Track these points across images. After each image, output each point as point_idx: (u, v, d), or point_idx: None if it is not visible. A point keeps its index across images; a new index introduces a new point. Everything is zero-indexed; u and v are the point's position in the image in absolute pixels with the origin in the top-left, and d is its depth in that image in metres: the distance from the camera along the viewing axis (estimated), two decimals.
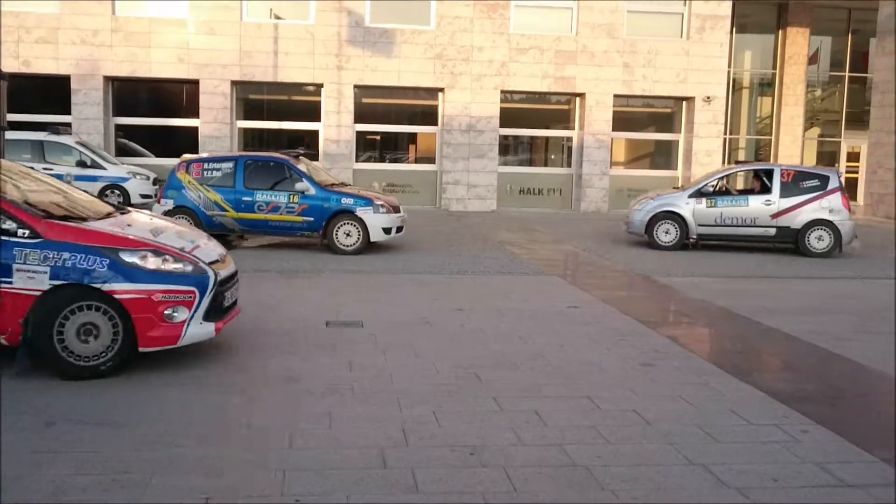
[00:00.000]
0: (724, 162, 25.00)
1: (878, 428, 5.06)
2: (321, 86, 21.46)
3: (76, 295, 5.52)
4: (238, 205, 12.63)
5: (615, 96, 22.43)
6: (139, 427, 4.61)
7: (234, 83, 21.20)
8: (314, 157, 21.34)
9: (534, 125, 23.79)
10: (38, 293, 5.45)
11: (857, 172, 28.18)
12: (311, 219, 12.47)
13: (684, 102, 23.16)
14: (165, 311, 5.64)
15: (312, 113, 21.80)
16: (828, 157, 29.02)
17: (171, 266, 5.75)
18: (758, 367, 6.47)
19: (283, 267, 11.17)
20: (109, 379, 5.49)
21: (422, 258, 12.41)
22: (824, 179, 14.16)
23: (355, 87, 21.46)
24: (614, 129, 22.66)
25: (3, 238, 5.46)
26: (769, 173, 14.35)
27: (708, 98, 22.67)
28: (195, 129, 21.19)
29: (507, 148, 23.52)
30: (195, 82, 21.02)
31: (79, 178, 17.37)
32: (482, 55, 21.68)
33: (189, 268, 5.82)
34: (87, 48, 20.47)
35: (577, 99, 22.72)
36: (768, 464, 4.33)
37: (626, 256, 13.21)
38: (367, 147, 22.70)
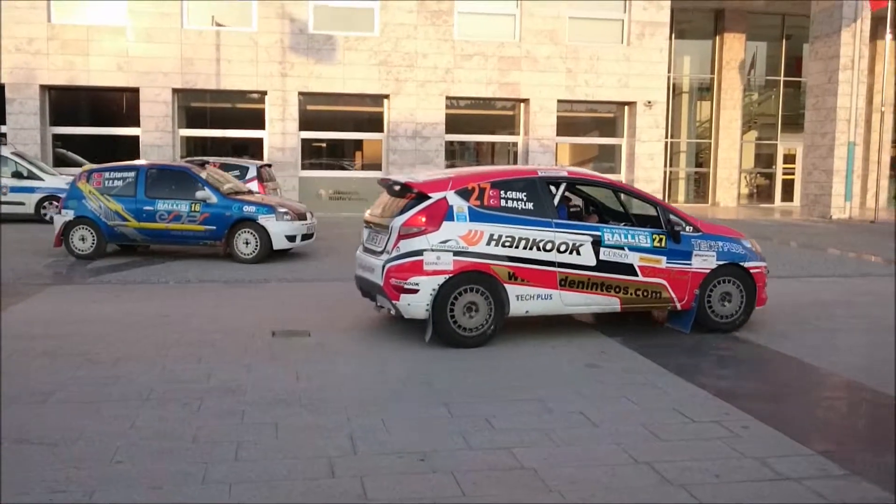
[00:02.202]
0: (665, 165, 25.48)
1: (816, 422, 5.21)
2: (265, 93, 21.28)
3: None
4: (139, 214, 12.41)
5: (559, 101, 22.70)
6: (76, 444, 4.50)
7: (175, 91, 20.90)
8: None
9: (479, 131, 23.94)
10: None
11: (793, 174, 28.98)
12: (213, 227, 12.31)
13: (626, 107, 23.54)
14: None
15: (257, 121, 21.60)
16: (765, 159, 29.79)
17: None
18: (700, 365, 6.60)
19: (227, 277, 11.03)
20: (60, 398, 5.35)
21: None
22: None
23: (300, 94, 21.34)
24: (559, 133, 22.92)
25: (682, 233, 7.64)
26: None
27: (649, 103, 23.08)
28: (136, 139, 20.83)
29: (454, 154, 23.63)
30: (135, 90, 20.68)
31: (15, 189, 16.93)
32: (427, 62, 21.74)
33: None
34: (22, 56, 19.99)
35: (522, 104, 22.93)
36: (710, 460, 4.42)
37: None
38: (313, 154, 22.57)
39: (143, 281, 10.67)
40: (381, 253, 7.28)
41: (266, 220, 12.35)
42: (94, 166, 13.31)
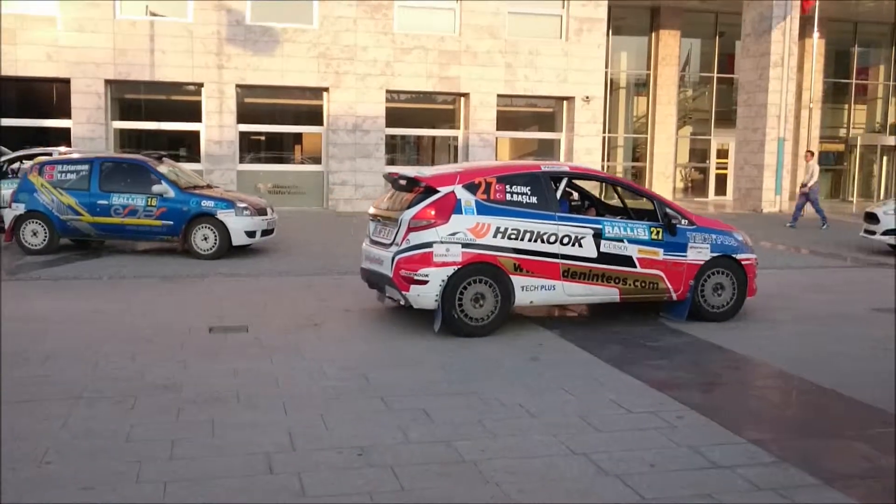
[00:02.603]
0: (603, 159, 25.85)
1: (747, 411, 5.35)
2: (201, 85, 20.88)
3: None
4: (93, 208, 12.10)
5: (498, 96, 22.80)
6: (6, 445, 4.36)
7: (108, 82, 20.36)
8: (195, 158, 20.79)
9: (420, 125, 23.91)
10: None
11: (726, 169, 29.68)
12: (171, 222, 12.06)
13: (565, 102, 23.78)
14: None
15: (193, 113, 21.18)
16: (699, 154, 30.44)
17: None
18: (637, 357, 6.71)
19: (154, 272, 10.81)
20: None
21: (309, 260, 12.27)
22: None
23: (237, 86, 21.00)
24: (499, 128, 23.03)
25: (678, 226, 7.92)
26: None
27: (587, 98, 23.35)
28: (67, 130, 20.23)
29: (395, 147, 23.56)
30: (66, 81, 20.07)
31: None
32: (366, 55, 21.61)
33: None
34: None
35: (462, 99, 22.97)
36: (646, 450, 4.50)
37: None
38: (252, 148, 22.25)
39: (75, 277, 10.40)
40: (390, 245, 7.47)
41: (225, 216, 12.12)
42: (47, 158, 12.91)
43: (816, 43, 25.67)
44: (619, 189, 9.09)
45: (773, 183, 24.25)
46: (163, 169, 12.51)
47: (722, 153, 29.90)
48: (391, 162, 22.77)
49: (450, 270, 7.14)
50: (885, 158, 31.52)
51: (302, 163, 22.57)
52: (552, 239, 7.46)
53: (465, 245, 7.20)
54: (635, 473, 4.16)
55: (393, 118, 22.28)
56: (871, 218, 14.69)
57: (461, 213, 7.25)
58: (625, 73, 29.44)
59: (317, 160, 22.20)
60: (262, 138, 22.55)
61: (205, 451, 4.34)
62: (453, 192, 7.32)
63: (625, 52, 29.21)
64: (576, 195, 9.01)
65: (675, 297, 7.98)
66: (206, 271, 10.93)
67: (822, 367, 6.43)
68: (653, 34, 28.69)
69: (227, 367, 6.06)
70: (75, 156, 13.18)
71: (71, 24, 19.82)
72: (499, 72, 22.60)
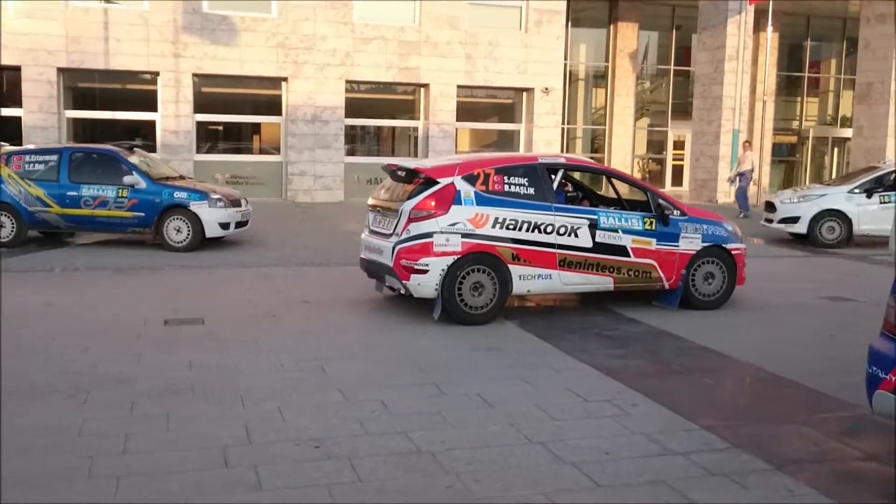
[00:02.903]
0: (562, 151, 25.99)
1: (701, 398, 5.44)
2: (157, 74, 20.53)
3: None
4: (63, 200, 11.87)
5: (459, 87, 22.78)
6: None
7: (60, 70, 19.92)
8: (151, 148, 20.46)
9: (380, 115, 23.80)
10: None
11: (682, 160, 30.04)
12: (142, 214, 11.88)
13: (524, 93, 23.85)
14: None
15: (149, 102, 20.82)
16: (656, 145, 30.77)
17: None
18: (594, 346, 6.78)
19: (116, 264, 10.64)
20: None
21: (268, 251, 12.18)
22: None
23: (194, 75, 20.69)
24: (459, 119, 23.02)
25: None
26: None
27: (546, 89, 23.45)
28: (18, 119, 19.75)
29: (354, 138, 23.42)
30: (17, 69, 19.57)
31: None
32: (326, 45, 21.44)
33: None
34: None
35: (422, 89, 22.92)
36: (601, 437, 4.56)
37: None
38: (209, 138, 21.95)
39: (27, 269, 10.18)
40: (390, 235, 7.59)
41: (198, 207, 11.93)
42: (14, 148, 12.59)
43: (770, 37, 26.06)
44: (612, 180, 9.24)
45: (727, 174, 24.60)
46: (134, 159, 12.29)
47: (678, 144, 30.25)
48: (351, 152, 22.65)
49: (449, 260, 7.29)
50: (835, 150, 32.15)
51: (260, 153, 22.34)
52: (549, 229, 7.63)
53: (464, 235, 7.36)
54: (591, 461, 4.21)
55: (352, 108, 22.14)
56: (770, 207, 15.37)
57: (461, 203, 7.39)
58: (583, 65, 29.61)
59: (275, 151, 22.00)
60: (220, 128, 22.26)
61: (159, 446, 4.29)
62: (453, 183, 7.45)
63: (583, 45, 29.38)
64: (570, 186, 9.17)
65: (667, 285, 8.19)
66: (161, 263, 10.78)
67: (772, 354, 6.57)
68: (611, 26, 28.88)
69: (183, 359, 5.99)
70: (43, 146, 12.91)
71: (22, 10, 19.34)
72: (459, 63, 22.59)
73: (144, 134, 20.86)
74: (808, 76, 31.76)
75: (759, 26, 26.98)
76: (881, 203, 13.94)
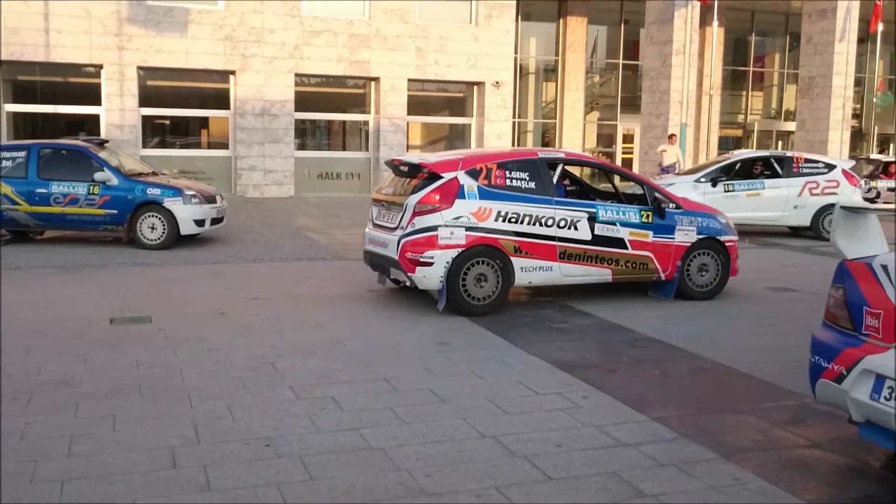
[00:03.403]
0: (513, 144, 26.11)
1: (650, 389, 5.51)
2: (101, 67, 20.08)
3: None
4: (31, 197, 11.52)
5: (409, 81, 22.73)
6: None
7: None
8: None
9: (330, 109, 23.63)
10: None
11: (632, 153, 30.44)
12: (115, 211, 11.57)
13: (475, 87, 23.89)
14: None
15: (92, 96, 20.36)
16: (606, 139, 31.10)
17: None
18: (545, 339, 6.83)
19: (64, 262, 10.39)
20: None
21: (216, 247, 12.00)
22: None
23: (139, 68, 20.29)
24: (410, 113, 22.98)
25: None
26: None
27: (497, 83, 23.52)
28: None
29: (304, 132, 23.24)
30: None
31: None
32: (274, 37, 21.20)
33: None
34: None
35: (373, 83, 22.81)
36: (552, 430, 4.59)
37: None
38: (156, 132, 21.57)
39: None
40: (395, 229, 7.74)
41: (172, 204, 11.63)
42: None
43: (716, 31, 26.54)
44: (610, 174, 9.42)
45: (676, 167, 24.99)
46: (104, 155, 11.98)
47: (628, 138, 30.64)
48: (301, 147, 22.47)
49: (454, 253, 7.47)
50: (780, 143, 32.89)
51: (209, 148, 22.01)
52: (549, 222, 7.81)
53: (468, 228, 7.54)
54: (542, 454, 4.24)
55: (302, 102, 21.95)
56: None
57: (464, 197, 7.56)
58: (534, 58, 29.77)
59: (224, 145, 21.70)
60: (167, 122, 21.89)
61: (105, 447, 4.20)
62: (456, 177, 7.62)
63: (534, 38, 29.53)
64: (567, 181, 9.30)
65: (663, 277, 8.39)
66: (105, 260, 10.55)
67: (718, 344, 6.69)
68: (561, 20, 29.09)
69: (129, 359, 5.88)
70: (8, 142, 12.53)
71: None
72: (409, 56, 22.53)
73: (88, 128, 20.41)
74: (753, 70, 32.42)
75: (705, 21, 27.43)
76: (725, 192, 14.45)
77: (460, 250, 7.49)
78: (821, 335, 4.16)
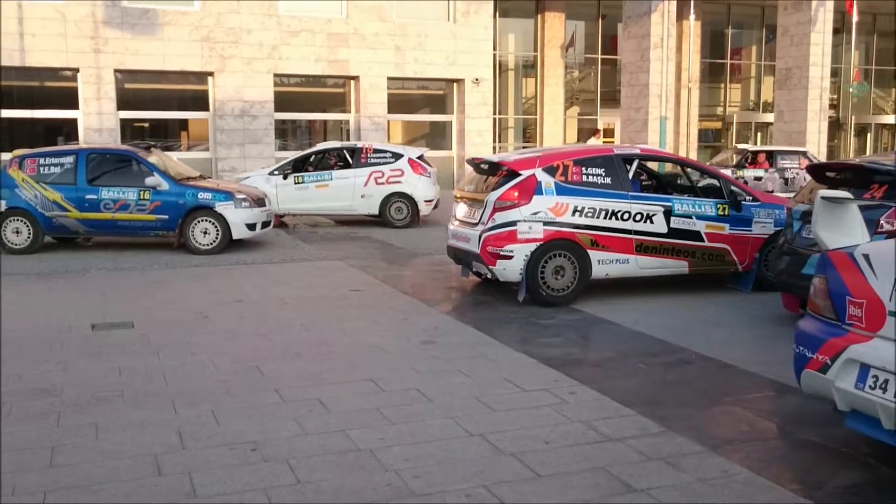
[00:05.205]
0: (494, 141, 26.12)
1: (637, 384, 5.51)
2: (77, 70, 19.88)
3: None
4: (81, 204, 11.41)
5: (389, 79, 22.66)
6: None
7: None
8: None
9: (310, 109, 23.52)
10: None
11: None
12: (166, 216, 11.45)
13: (455, 84, 23.86)
14: None
15: (69, 100, 20.15)
16: (586, 133, 31.12)
17: None
18: (531, 335, 6.82)
19: (42, 269, 10.28)
20: None
21: (252, 250, 11.90)
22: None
23: (116, 71, 20.10)
24: (390, 111, 22.91)
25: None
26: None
27: (476, 80, 23.50)
28: None
29: (285, 132, 23.11)
30: None
31: None
32: (252, 38, 21.06)
33: None
34: None
35: (352, 82, 22.73)
36: (540, 427, 4.58)
37: (404, 236, 13.44)
38: (135, 135, 21.35)
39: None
40: (477, 224, 8.10)
41: (224, 208, 11.52)
42: (27, 151, 11.97)
43: (693, 25, 26.63)
44: (686, 168, 9.64)
45: None
46: (153, 159, 11.83)
47: (608, 132, 30.67)
48: (282, 147, 22.34)
49: (532, 246, 7.78)
50: (759, 135, 33.07)
51: (189, 150, 21.85)
52: (625, 216, 8.05)
53: (546, 223, 7.83)
54: (531, 451, 4.22)
55: (282, 103, 21.84)
56: None
57: (542, 194, 7.85)
58: (513, 55, 29.76)
59: (204, 147, 21.55)
60: (146, 125, 21.71)
61: (88, 456, 4.15)
62: (534, 174, 7.92)
63: (512, 35, 29.51)
64: (644, 175, 9.49)
65: (740, 268, 8.55)
66: (85, 265, 10.45)
67: (703, 337, 6.71)
68: (538, 16, 29.08)
69: (111, 365, 5.81)
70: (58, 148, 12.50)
71: None
72: (388, 54, 22.46)
73: (67, 133, 20.20)
74: (731, 63, 32.56)
75: (682, 14, 27.51)
76: (295, 184, 14.72)
77: (539, 244, 7.78)
78: (805, 326, 4.17)
